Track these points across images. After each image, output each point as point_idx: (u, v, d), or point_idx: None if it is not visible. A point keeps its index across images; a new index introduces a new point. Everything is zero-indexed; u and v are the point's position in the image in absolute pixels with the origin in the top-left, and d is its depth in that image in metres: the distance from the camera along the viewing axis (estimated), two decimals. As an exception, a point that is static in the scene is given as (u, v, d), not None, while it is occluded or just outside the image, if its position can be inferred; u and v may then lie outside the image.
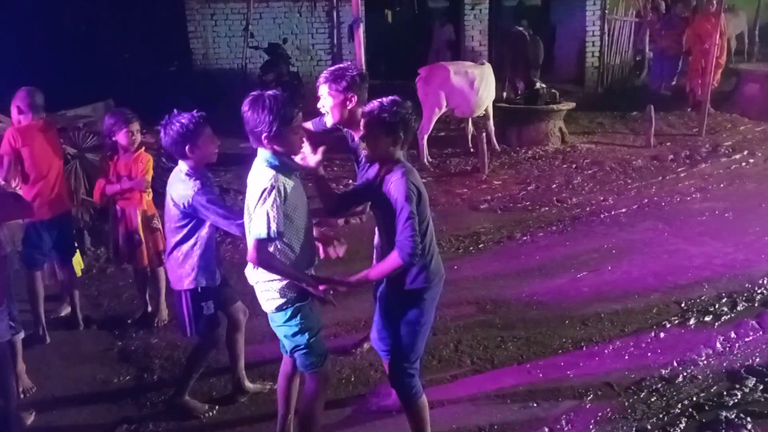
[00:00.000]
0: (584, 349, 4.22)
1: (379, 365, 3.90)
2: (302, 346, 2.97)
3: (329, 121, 3.43)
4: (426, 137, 8.48)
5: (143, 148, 4.54)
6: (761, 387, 3.72)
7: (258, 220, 2.74)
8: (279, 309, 2.93)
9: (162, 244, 4.64)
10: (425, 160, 8.42)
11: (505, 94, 10.34)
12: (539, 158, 8.71)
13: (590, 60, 12.74)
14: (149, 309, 4.79)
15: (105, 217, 5.54)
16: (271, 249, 2.82)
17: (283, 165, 2.84)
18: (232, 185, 7.36)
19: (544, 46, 11.45)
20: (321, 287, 2.90)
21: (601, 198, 7.18)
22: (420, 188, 2.83)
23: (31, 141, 4.27)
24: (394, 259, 2.79)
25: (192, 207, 3.31)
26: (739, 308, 4.65)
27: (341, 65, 3.48)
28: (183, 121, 3.31)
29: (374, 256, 3.70)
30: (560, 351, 4.21)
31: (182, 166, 3.41)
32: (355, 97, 3.33)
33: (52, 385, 4.03)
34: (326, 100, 3.38)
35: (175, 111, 3.37)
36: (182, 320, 3.54)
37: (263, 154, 2.85)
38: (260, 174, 2.81)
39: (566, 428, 3.46)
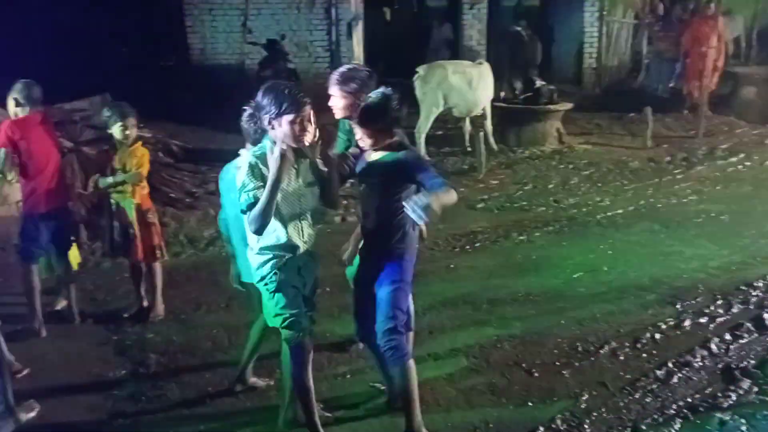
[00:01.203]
0: (579, 349, 4.23)
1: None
2: (279, 324, 3.13)
3: (338, 115, 3.60)
4: (424, 136, 8.48)
5: (140, 143, 4.53)
6: (756, 389, 3.74)
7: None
8: (260, 281, 3.15)
9: (157, 238, 4.64)
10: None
11: (503, 93, 10.35)
12: (536, 158, 8.72)
13: (588, 61, 12.76)
14: (145, 304, 4.78)
15: (101, 211, 5.52)
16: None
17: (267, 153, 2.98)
18: (229, 181, 7.35)
19: (542, 46, 11.47)
20: None
21: (598, 199, 7.20)
22: None
23: (28, 134, 4.26)
24: (452, 194, 3.07)
25: None
26: (734, 310, 4.67)
27: (350, 66, 3.67)
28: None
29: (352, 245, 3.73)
30: (555, 351, 4.22)
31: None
32: (365, 96, 3.40)
33: (47, 378, 4.01)
34: (337, 101, 3.53)
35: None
36: None
37: (266, 140, 3.07)
38: (247, 154, 3.16)
39: (561, 428, 3.47)
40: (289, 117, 2.95)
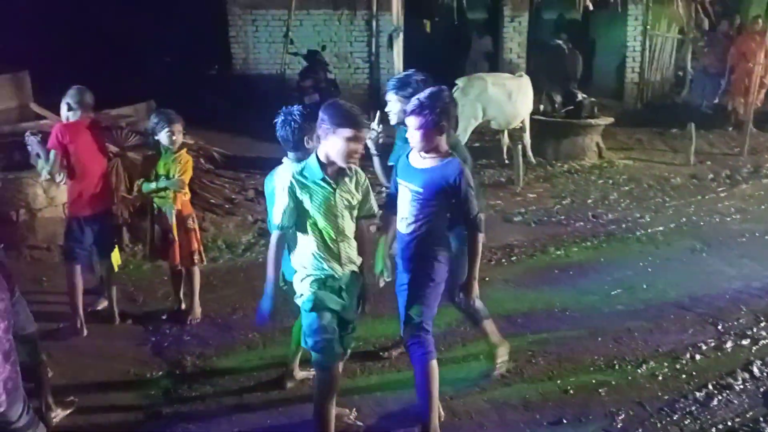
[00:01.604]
0: (616, 367, 4.16)
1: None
2: (310, 346, 3.14)
3: (393, 120, 3.77)
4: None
5: (185, 150, 4.62)
6: (800, 414, 3.63)
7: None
8: (299, 299, 3.18)
9: (196, 244, 4.73)
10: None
11: (542, 106, 10.27)
12: (575, 172, 8.62)
13: (630, 75, 12.59)
14: (183, 306, 4.86)
15: (143, 215, 5.65)
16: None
17: (314, 169, 3.06)
18: (268, 188, 7.44)
19: (583, 60, 11.36)
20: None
21: (638, 215, 7.08)
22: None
23: (77, 138, 4.39)
24: (476, 238, 3.25)
25: None
26: (778, 333, 4.55)
27: (406, 72, 3.78)
28: (300, 114, 3.43)
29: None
30: (591, 368, 4.16)
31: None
32: None
33: (86, 377, 4.11)
34: (394, 105, 3.68)
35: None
36: None
37: (313, 154, 3.10)
38: (290, 167, 3.23)
39: (596, 446, 3.42)
40: (346, 132, 2.95)
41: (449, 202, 3.22)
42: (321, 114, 3.02)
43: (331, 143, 2.99)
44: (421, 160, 3.26)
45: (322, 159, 3.04)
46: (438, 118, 3.13)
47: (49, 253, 5.78)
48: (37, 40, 9.76)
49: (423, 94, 3.19)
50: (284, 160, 3.49)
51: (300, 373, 3.98)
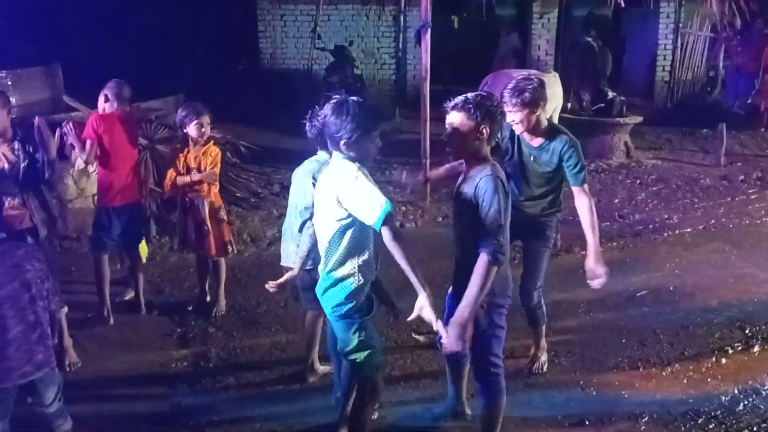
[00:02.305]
0: (641, 369, 4.12)
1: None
2: (358, 360, 2.99)
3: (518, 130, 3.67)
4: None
5: (212, 142, 4.67)
6: (829, 422, 3.56)
7: (371, 197, 2.71)
8: (342, 318, 2.94)
9: (228, 234, 4.79)
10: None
11: (569, 105, 10.17)
12: (602, 172, 8.53)
13: (660, 74, 12.41)
14: (208, 299, 4.92)
15: (171, 207, 5.73)
16: (396, 228, 2.77)
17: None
18: (293, 183, 7.49)
19: (613, 57, 11.20)
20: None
21: (666, 216, 6.99)
22: (507, 189, 2.92)
23: (111, 129, 4.46)
24: (484, 264, 2.78)
25: None
26: (807, 338, 4.46)
27: (523, 79, 3.66)
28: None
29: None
30: (616, 370, 4.12)
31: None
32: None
33: (111, 366, 4.19)
34: (512, 116, 3.57)
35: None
36: None
37: (338, 155, 2.88)
38: (343, 167, 2.83)
39: (618, 449, 3.39)
40: (377, 131, 2.85)
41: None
42: (346, 122, 2.77)
43: (366, 147, 2.85)
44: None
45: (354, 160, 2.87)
46: (481, 121, 2.90)
47: (79, 243, 5.89)
48: (70, 34, 9.93)
49: (471, 94, 2.98)
50: (319, 153, 3.55)
51: (321, 367, 4.03)
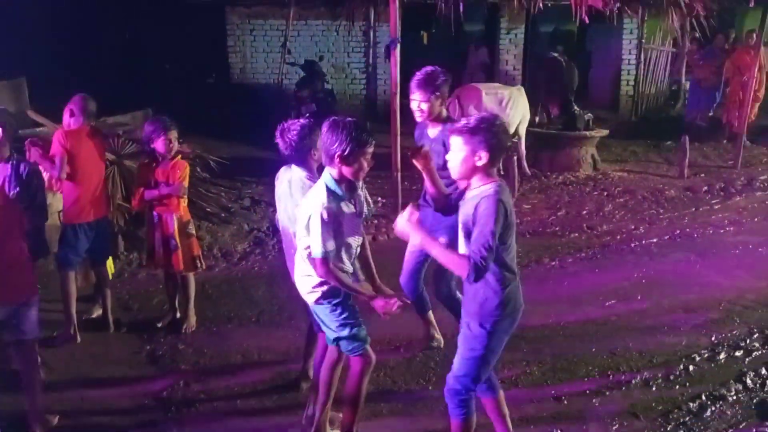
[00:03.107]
0: (611, 378, 4.17)
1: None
2: (344, 336, 3.21)
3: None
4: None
5: (179, 156, 4.63)
6: (793, 426, 3.64)
7: (314, 240, 3.01)
8: (318, 302, 3.20)
9: (197, 249, 4.74)
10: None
11: (537, 118, 10.33)
12: (570, 184, 8.66)
13: (625, 88, 12.68)
14: (177, 315, 4.85)
15: (138, 222, 5.66)
16: (330, 265, 3.05)
17: (337, 190, 3.06)
18: (264, 197, 7.46)
19: (579, 72, 11.43)
20: (381, 302, 3.13)
21: (632, 227, 7.12)
22: (508, 211, 2.79)
23: (78, 144, 4.40)
24: (462, 264, 2.72)
25: None
26: (771, 344, 4.57)
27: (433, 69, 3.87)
28: (300, 127, 3.42)
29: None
30: (586, 378, 4.17)
31: (301, 174, 3.46)
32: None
33: (80, 384, 4.10)
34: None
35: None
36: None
37: (326, 176, 3.08)
38: (316, 194, 3.07)
39: (590, 457, 3.42)
40: (370, 148, 3.04)
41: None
42: (342, 138, 2.95)
43: (358, 164, 3.02)
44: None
45: (336, 178, 3.06)
46: (484, 145, 2.86)
47: (44, 261, 5.75)
48: (35, 48, 9.78)
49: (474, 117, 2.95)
50: (293, 167, 3.54)
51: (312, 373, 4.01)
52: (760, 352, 4.46)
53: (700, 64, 11.73)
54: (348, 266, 3.21)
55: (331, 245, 3.02)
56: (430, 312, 4.38)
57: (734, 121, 10.46)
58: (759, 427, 3.65)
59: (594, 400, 3.93)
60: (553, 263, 6.10)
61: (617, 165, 9.63)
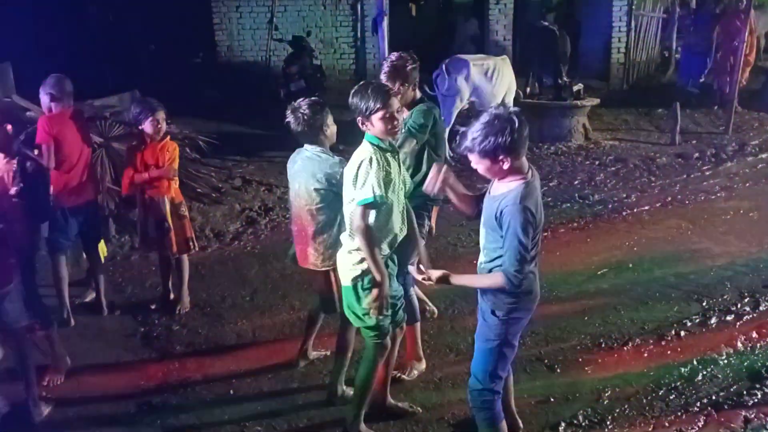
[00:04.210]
0: (603, 345, 4.21)
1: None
2: (368, 325, 3.18)
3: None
4: (448, 130, 8.46)
5: (168, 137, 4.60)
6: (782, 387, 3.69)
7: (362, 186, 2.95)
8: (354, 281, 3.11)
9: (189, 231, 4.73)
10: (447, 155, 8.40)
11: (528, 89, 10.27)
12: (562, 154, 8.65)
13: (616, 56, 12.59)
14: (171, 296, 4.86)
15: (129, 205, 5.63)
16: (372, 219, 2.98)
17: (380, 143, 3.04)
18: (254, 176, 7.43)
19: (570, 41, 11.33)
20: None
21: (624, 195, 7.13)
22: (535, 212, 2.68)
23: (63, 128, 4.34)
24: (497, 280, 2.72)
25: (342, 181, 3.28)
26: (761, 308, 4.61)
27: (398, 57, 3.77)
28: (311, 102, 3.44)
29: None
30: (579, 347, 4.20)
31: (314, 149, 3.47)
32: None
33: (75, 368, 4.10)
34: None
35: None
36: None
37: (366, 134, 3.08)
38: (361, 148, 3.07)
39: (583, 424, 3.47)
40: (378, 114, 2.98)
41: None
42: (351, 102, 3.04)
43: (373, 127, 3.02)
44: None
45: (378, 136, 3.05)
46: (498, 150, 2.70)
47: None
48: (18, 32, 9.64)
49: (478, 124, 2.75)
50: (306, 146, 3.51)
51: (313, 353, 4.07)
52: (750, 316, 4.50)
53: (691, 30, 11.65)
54: (399, 232, 3.16)
55: (383, 191, 2.93)
56: (414, 287, 4.15)
57: (725, 86, 10.43)
58: (750, 390, 3.69)
59: (587, 368, 3.97)
60: (546, 234, 6.10)
61: (609, 134, 9.61)
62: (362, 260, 3.06)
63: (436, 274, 2.93)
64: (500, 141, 2.62)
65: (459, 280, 2.94)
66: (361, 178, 2.96)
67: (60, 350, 3.99)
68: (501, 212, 2.68)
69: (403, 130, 3.49)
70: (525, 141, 2.69)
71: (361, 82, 3.13)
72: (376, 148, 3.02)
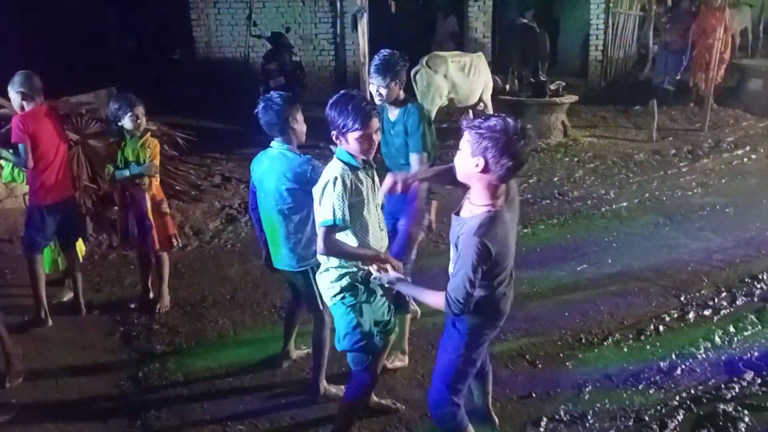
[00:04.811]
0: (583, 341, 4.25)
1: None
2: (348, 350, 3.02)
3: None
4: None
5: (149, 134, 4.54)
6: (759, 380, 3.75)
7: (324, 207, 2.83)
8: (334, 298, 3.00)
9: (172, 228, 4.68)
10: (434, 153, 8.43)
11: (507, 86, 10.32)
12: (541, 151, 8.71)
13: (594, 54, 12.70)
14: (151, 295, 4.81)
15: (107, 203, 5.56)
16: (338, 236, 2.87)
17: (351, 160, 2.91)
18: (234, 174, 7.37)
19: (549, 38, 11.41)
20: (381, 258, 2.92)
21: (603, 191, 7.19)
22: (492, 246, 2.47)
23: (38, 126, 4.26)
24: (440, 301, 2.59)
25: (312, 178, 3.21)
26: (738, 303, 4.68)
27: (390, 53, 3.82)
28: (283, 95, 3.41)
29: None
30: (559, 342, 4.23)
31: (281, 147, 3.43)
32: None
33: (53, 368, 4.05)
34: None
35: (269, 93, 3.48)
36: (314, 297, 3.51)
37: (338, 149, 2.95)
38: (330, 165, 2.94)
39: (565, 419, 3.49)
40: (355, 134, 2.84)
41: None
42: (328, 113, 2.88)
43: (347, 144, 2.89)
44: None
45: (350, 152, 2.92)
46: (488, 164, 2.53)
47: (11, 245, 5.65)
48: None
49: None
50: (273, 144, 3.48)
51: (296, 352, 4.05)
52: (727, 311, 4.57)
53: (667, 28, 11.78)
54: (381, 244, 3.05)
55: (345, 214, 2.80)
56: None
57: (701, 83, 10.57)
58: (728, 384, 3.74)
59: (567, 363, 4.00)
60: (526, 230, 6.15)
61: (587, 131, 9.70)
62: (340, 277, 2.95)
63: (392, 276, 2.84)
64: (506, 155, 2.42)
65: (407, 289, 2.86)
66: (325, 198, 2.83)
67: (12, 350, 3.89)
68: (458, 237, 2.56)
69: (414, 139, 3.62)
70: (513, 175, 2.52)
71: (342, 92, 2.94)
72: (346, 167, 2.88)
